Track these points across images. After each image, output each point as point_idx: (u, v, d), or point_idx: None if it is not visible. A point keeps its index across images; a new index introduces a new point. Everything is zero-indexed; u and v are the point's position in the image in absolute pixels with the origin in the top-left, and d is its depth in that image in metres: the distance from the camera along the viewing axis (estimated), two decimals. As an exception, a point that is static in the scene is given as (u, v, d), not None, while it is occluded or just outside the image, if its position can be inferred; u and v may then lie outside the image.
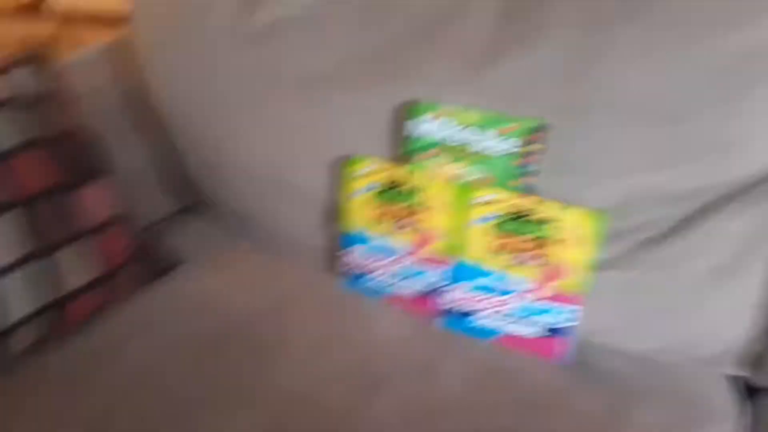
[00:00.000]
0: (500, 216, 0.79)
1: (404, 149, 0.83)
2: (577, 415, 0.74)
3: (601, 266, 0.78)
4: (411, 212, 0.85)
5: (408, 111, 0.81)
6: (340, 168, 0.90)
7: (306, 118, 0.91)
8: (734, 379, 0.81)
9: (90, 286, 0.79)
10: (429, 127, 0.80)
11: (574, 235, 0.76)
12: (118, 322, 0.85)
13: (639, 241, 0.79)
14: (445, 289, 0.87)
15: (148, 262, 0.89)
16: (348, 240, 0.93)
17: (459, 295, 0.86)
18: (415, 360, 0.81)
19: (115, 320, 0.85)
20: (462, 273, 0.85)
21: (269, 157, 0.97)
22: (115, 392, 0.74)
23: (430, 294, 0.89)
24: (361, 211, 0.90)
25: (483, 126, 0.77)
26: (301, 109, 0.91)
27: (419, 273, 0.88)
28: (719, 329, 0.80)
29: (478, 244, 0.82)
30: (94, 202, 0.80)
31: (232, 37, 0.94)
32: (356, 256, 0.93)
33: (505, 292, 0.83)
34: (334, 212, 0.95)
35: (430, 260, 0.87)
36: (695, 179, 0.74)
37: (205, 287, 0.93)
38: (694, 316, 0.79)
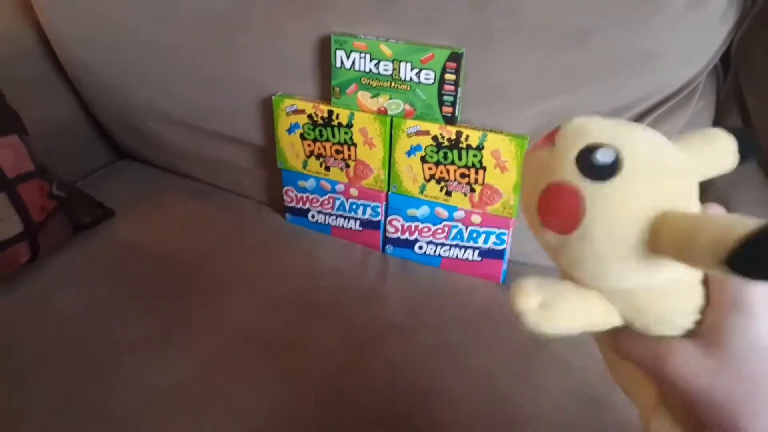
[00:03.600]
0: (427, 146, 0.80)
1: (328, 85, 0.83)
2: (513, 330, 0.77)
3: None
4: (341, 148, 0.86)
5: (326, 45, 0.80)
6: (267, 107, 0.89)
7: (221, 58, 0.90)
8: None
9: (8, 242, 0.78)
10: (349, 60, 0.80)
11: (500, 161, 0.77)
12: (45, 274, 0.82)
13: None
14: (383, 221, 0.89)
15: (75, 214, 0.88)
16: (285, 178, 0.94)
17: (397, 226, 0.88)
18: (357, 288, 0.83)
19: (41, 274, 0.83)
20: (396, 205, 0.87)
21: (188, 103, 0.96)
22: (40, 348, 0.71)
23: (369, 226, 0.90)
24: (292, 150, 0.90)
25: (401, 57, 0.77)
26: (214, 49, 0.89)
27: (356, 207, 0.90)
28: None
29: (409, 176, 0.84)
30: (4, 159, 0.78)
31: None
32: (294, 193, 0.94)
33: (438, 221, 0.85)
34: (266, 152, 0.95)
35: (365, 194, 0.88)
36: (610, 97, 0.76)
37: (138, 234, 0.93)
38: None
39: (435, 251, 0.87)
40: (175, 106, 0.98)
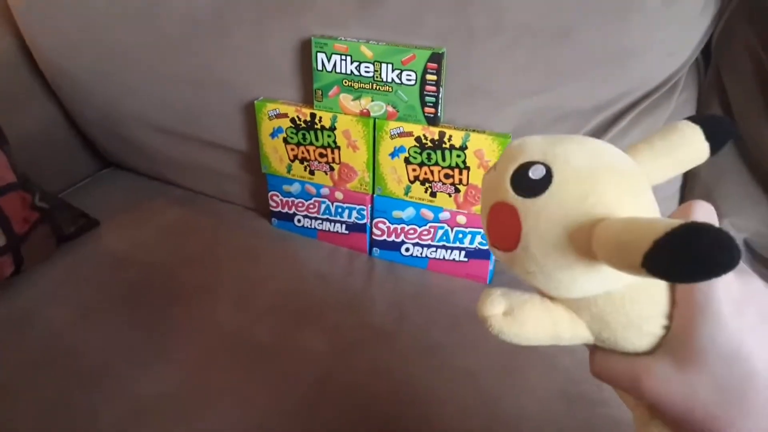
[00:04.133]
0: (411, 148, 0.80)
1: (310, 88, 0.83)
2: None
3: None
4: (325, 151, 0.86)
5: (307, 48, 0.80)
6: (250, 112, 0.89)
7: (203, 64, 0.89)
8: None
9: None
10: (330, 63, 0.79)
11: (483, 161, 0.77)
12: (29, 287, 0.81)
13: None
14: (369, 224, 0.89)
15: (59, 225, 0.88)
16: (270, 183, 0.93)
17: (383, 229, 0.88)
18: (344, 292, 0.83)
19: (25, 286, 0.81)
20: (381, 207, 0.86)
21: (171, 109, 0.96)
22: (26, 360, 0.70)
23: (356, 229, 0.90)
24: (276, 155, 0.90)
25: (382, 58, 0.76)
26: (197, 55, 0.89)
27: (342, 210, 0.89)
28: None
29: (393, 178, 0.83)
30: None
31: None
32: (280, 198, 0.94)
33: (424, 222, 0.84)
34: (251, 157, 0.95)
35: (351, 197, 0.88)
36: (593, 94, 0.75)
37: (123, 243, 0.92)
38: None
39: (421, 253, 0.87)
40: (159, 113, 0.97)
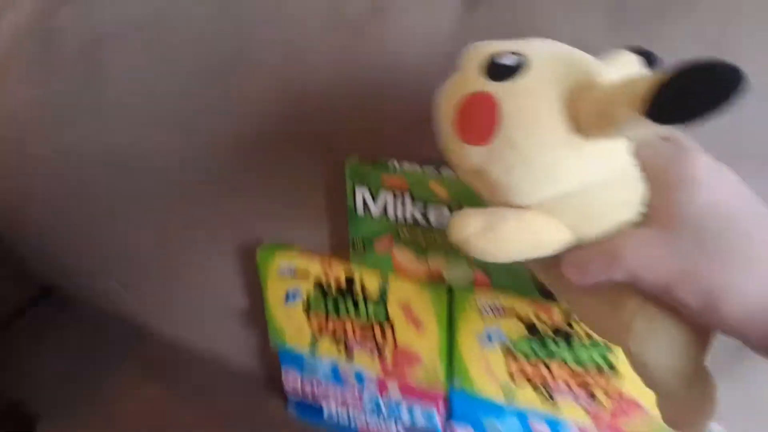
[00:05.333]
0: (514, 334, 0.49)
1: (343, 232, 0.52)
2: None
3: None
4: (370, 327, 0.55)
5: (339, 171, 0.49)
6: (251, 257, 0.58)
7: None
8: None
9: None
10: (377, 204, 0.49)
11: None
12: None
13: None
14: (442, 430, 0.58)
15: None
16: (283, 359, 0.63)
17: (463, 436, 0.57)
18: None
19: None
20: (465, 410, 0.56)
21: (143, 245, 0.65)
22: None
23: (418, 434, 0.59)
24: (292, 325, 0.59)
25: (463, 198, 0.46)
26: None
27: (398, 409, 0.59)
28: None
29: (483, 371, 0.53)
30: None
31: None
32: (299, 379, 0.63)
33: (534, 437, 0.54)
34: (256, 312, 0.64)
35: (411, 392, 0.57)
36: None
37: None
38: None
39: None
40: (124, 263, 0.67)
